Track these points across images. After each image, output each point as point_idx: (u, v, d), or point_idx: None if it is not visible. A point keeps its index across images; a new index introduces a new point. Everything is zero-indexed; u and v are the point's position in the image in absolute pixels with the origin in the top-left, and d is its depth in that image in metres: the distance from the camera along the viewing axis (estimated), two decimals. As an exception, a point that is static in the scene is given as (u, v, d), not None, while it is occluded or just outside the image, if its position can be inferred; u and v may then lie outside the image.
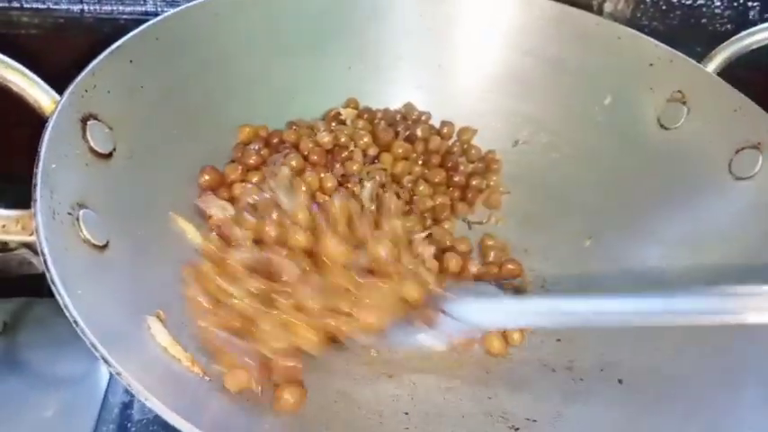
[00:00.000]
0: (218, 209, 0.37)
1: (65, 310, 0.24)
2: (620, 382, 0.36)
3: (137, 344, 0.28)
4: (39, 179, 0.28)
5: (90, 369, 0.46)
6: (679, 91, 0.43)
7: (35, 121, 0.33)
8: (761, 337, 0.33)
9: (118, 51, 0.36)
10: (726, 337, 0.34)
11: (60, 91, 0.33)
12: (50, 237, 0.27)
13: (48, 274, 0.25)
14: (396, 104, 0.50)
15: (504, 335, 0.39)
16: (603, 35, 0.46)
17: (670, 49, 0.44)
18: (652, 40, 0.44)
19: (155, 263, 0.33)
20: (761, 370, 0.32)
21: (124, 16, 0.50)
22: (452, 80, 0.49)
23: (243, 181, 0.41)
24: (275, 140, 0.44)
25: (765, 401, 0.31)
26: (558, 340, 0.40)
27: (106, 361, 0.23)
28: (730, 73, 0.44)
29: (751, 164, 0.39)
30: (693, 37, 0.56)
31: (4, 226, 0.27)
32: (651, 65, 0.44)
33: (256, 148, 0.43)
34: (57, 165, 0.29)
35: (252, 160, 0.42)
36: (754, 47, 0.43)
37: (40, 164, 0.28)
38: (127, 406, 0.40)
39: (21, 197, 0.30)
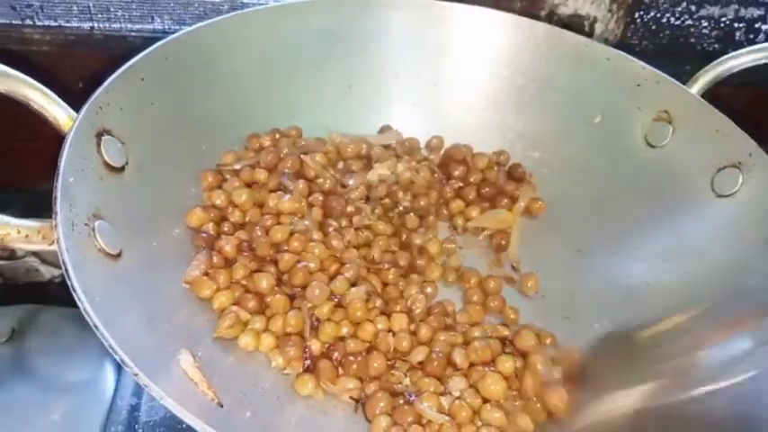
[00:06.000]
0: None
1: (85, 316, 0.26)
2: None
3: (149, 346, 0.30)
4: (59, 192, 0.30)
5: (96, 374, 0.47)
6: (665, 111, 0.45)
7: (44, 135, 0.35)
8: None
9: (130, 70, 0.38)
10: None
11: (71, 105, 0.35)
12: (70, 247, 0.28)
13: (69, 282, 0.27)
14: (395, 120, 0.51)
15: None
16: (593, 56, 0.48)
17: (656, 70, 0.46)
18: (639, 61, 0.46)
19: (165, 270, 0.35)
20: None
21: (133, 33, 0.52)
22: (448, 98, 0.51)
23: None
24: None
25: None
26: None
27: (124, 363, 0.25)
28: (717, 91, 0.46)
29: (732, 182, 0.41)
30: (682, 56, 0.58)
31: (27, 236, 0.29)
32: (638, 85, 0.46)
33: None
34: (74, 178, 0.31)
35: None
36: (736, 70, 0.45)
37: (60, 178, 0.30)
38: (134, 408, 0.41)
39: (31, 205, 0.32)
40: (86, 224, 0.30)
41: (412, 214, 0.46)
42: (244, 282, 0.38)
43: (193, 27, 0.42)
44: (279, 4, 0.48)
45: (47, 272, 0.58)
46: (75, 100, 0.35)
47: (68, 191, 0.30)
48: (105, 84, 0.36)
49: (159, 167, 0.39)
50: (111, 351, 0.25)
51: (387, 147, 0.49)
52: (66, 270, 0.27)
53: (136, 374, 0.24)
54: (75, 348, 0.49)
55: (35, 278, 0.58)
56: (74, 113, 0.34)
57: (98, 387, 0.46)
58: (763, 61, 0.44)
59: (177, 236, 0.39)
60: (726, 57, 0.45)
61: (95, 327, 0.25)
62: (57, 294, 0.57)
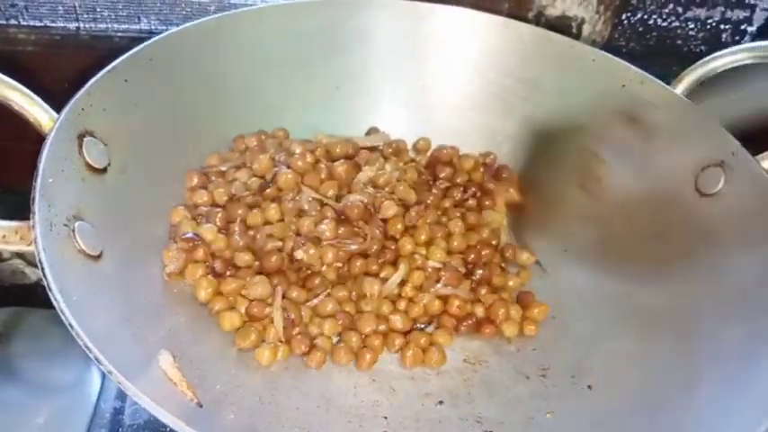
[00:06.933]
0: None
1: (60, 315, 0.26)
2: (589, 387, 0.38)
3: (127, 346, 0.29)
4: (37, 192, 0.30)
5: (82, 377, 0.47)
6: (649, 110, 0.45)
7: (31, 135, 0.35)
8: (714, 342, 0.36)
9: (113, 71, 0.38)
10: (684, 345, 0.37)
11: (57, 105, 0.35)
12: (48, 247, 0.28)
13: (45, 281, 0.27)
14: (382, 121, 0.51)
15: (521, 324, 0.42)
16: (578, 57, 0.48)
17: (641, 71, 0.46)
18: (624, 62, 0.46)
19: (146, 271, 0.35)
20: (711, 376, 0.35)
21: (119, 34, 0.52)
22: (436, 99, 0.51)
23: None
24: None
25: (719, 399, 0.33)
26: (534, 349, 0.42)
27: (98, 360, 0.25)
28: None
29: (715, 181, 0.41)
30: (669, 57, 0.59)
31: (4, 236, 0.29)
32: (623, 86, 0.46)
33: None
34: (54, 179, 0.31)
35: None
36: (720, 70, 0.45)
37: (39, 178, 0.30)
38: (118, 411, 0.41)
39: (17, 208, 0.32)
40: (66, 225, 0.30)
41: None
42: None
43: (178, 28, 0.42)
44: (265, 5, 0.48)
45: (33, 274, 0.58)
46: (61, 100, 0.35)
47: (47, 191, 0.30)
48: (87, 85, 0.36)
49: (143, 169, 0.38)
50: (85, 350, 0.25)
51: (374, 149, 0.49)
52: (43, 269, 0.27)
53: (110, 372, 0.24)
54: (61, 351, 0.49)
55: (21, 280, 0.58)
56: (55, 115, 0.34)
57: (83, 390, 0.45)
58: (746, 62, 0.45)
59: (160, 237, 0.39)
60: (709, 57, 0.46)
61: (70, 325, 0.25)
62: (43, 297, 0.56)
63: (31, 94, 0.34)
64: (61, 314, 0.26)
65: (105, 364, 0.25)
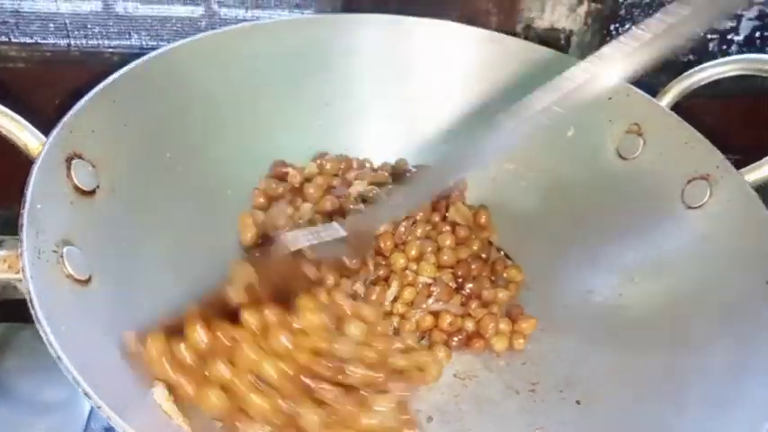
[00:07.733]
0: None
1: (48, 347, 0.26)
2: (577, 402, 0.38)
3: (118, 378, 0.29)
4: (25, 220, 0.29)
5: (74, 394, 0.47)
6: (635, 124, 0.46)
7: (18, 152, 0.35)
8: (701, 355, 0.36)
9: (102, 92, 0.37)
10: (670, 363, 0.37)
11: (47, 123, 0.35)
12: (36, 276, 0.28)
13: (33, 312, 0.27)
14: (372, 136, 0.51)
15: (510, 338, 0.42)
16: (564, 70, 0.48)
17: (627, 83, 0.46)
18: (610, 75, 0.47)
19: (136, 296, 0.35)
20: (699, 389, 0.35)
21: (109, 50, 0.52)
22: (424, 112, 0.51)
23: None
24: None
25: (707, 412, 0.34)
26: (524, 363, 0.42)
27: (88, 395, 0.25)
28: (690, 102, 0.46)
29: (701, 194, 0.42)
30: (658, 68, 0.59)
31: (-9, 266, 0.29)
32: (610, 99, 0.46)
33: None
34: (42, 205, 0.31)
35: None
36: (704, 82, 0.46)
37: (27, 205, 0.30)
38: (109, 430, 0.41)
39: (9, 221, 0.31)
40: (54, 251, 0.30)
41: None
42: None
43: (165, 48, 0.42)
44: (253, 23, 0.48)
45: (25, 290, 0.57)
46: (52, 117, 0.35)
47: (35, 218, 0.30)
48: (75, 108, 0.36)
49: (132, 189, 0.38)
50: (74, 383, 0.25)
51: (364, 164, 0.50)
52: (31, 300, 0.27)
53: (99, 407, 0.24)
54: (54, 368, 0.48)
55: (13, 296, 0.57)
56: (43, 138, 0.34)
57: (74, 408, 0.45)
58: (731, 73, 0.45)
59: (150, 260, 0.39)
60: (693, 70, 0.46)
61: (58, 358, 0.25)
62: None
63: (19, 118, 0.34)
64: (49, 346, 0.26)
65: (94, 398, 0.24)
